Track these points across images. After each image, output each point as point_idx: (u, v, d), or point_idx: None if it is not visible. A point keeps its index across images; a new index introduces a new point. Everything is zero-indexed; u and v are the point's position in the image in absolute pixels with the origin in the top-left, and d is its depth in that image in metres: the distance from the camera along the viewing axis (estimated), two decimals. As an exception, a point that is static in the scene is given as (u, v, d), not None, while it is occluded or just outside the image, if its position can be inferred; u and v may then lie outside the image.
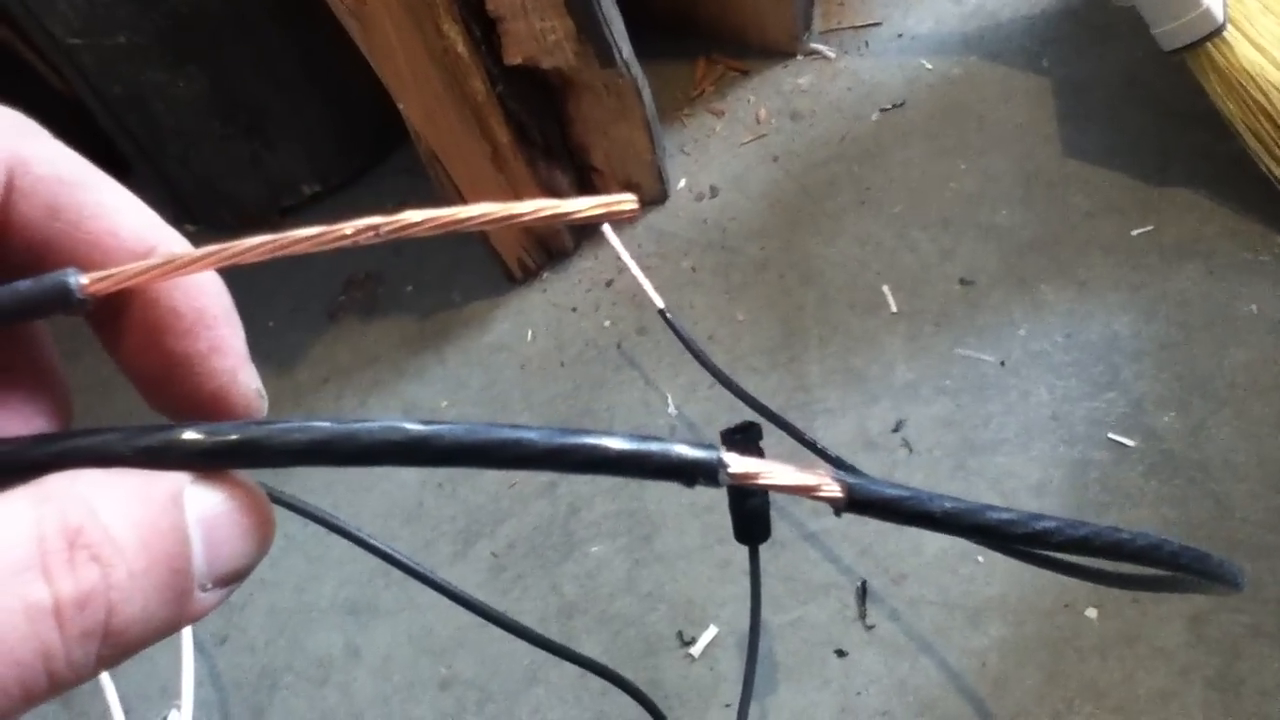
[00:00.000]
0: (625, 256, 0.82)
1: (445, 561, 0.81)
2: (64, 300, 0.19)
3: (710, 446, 0.20)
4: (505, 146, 0.86)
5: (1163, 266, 0.79)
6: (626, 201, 0.19)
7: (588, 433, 0.19)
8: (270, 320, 1.03)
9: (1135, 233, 0.81)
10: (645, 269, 0.93)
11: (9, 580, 0.14)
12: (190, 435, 0.17)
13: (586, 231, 0.99)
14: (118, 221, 0.20)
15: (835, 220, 0.91)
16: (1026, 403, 0.75)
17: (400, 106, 0.82)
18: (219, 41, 0.98)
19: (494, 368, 0.92)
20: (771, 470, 0.20)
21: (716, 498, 0.77)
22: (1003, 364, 0.78)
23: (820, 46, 1.05)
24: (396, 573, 0.81)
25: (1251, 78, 0.73)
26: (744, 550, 0.74)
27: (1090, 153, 0.87)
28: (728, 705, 0.68)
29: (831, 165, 0.95)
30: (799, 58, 1.06)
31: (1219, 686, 0.61)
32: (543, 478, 0.83)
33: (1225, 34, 0.73)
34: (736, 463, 0.19)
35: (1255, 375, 0.72)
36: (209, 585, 0.17)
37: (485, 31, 0.80)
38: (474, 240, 0.94)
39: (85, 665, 0.15)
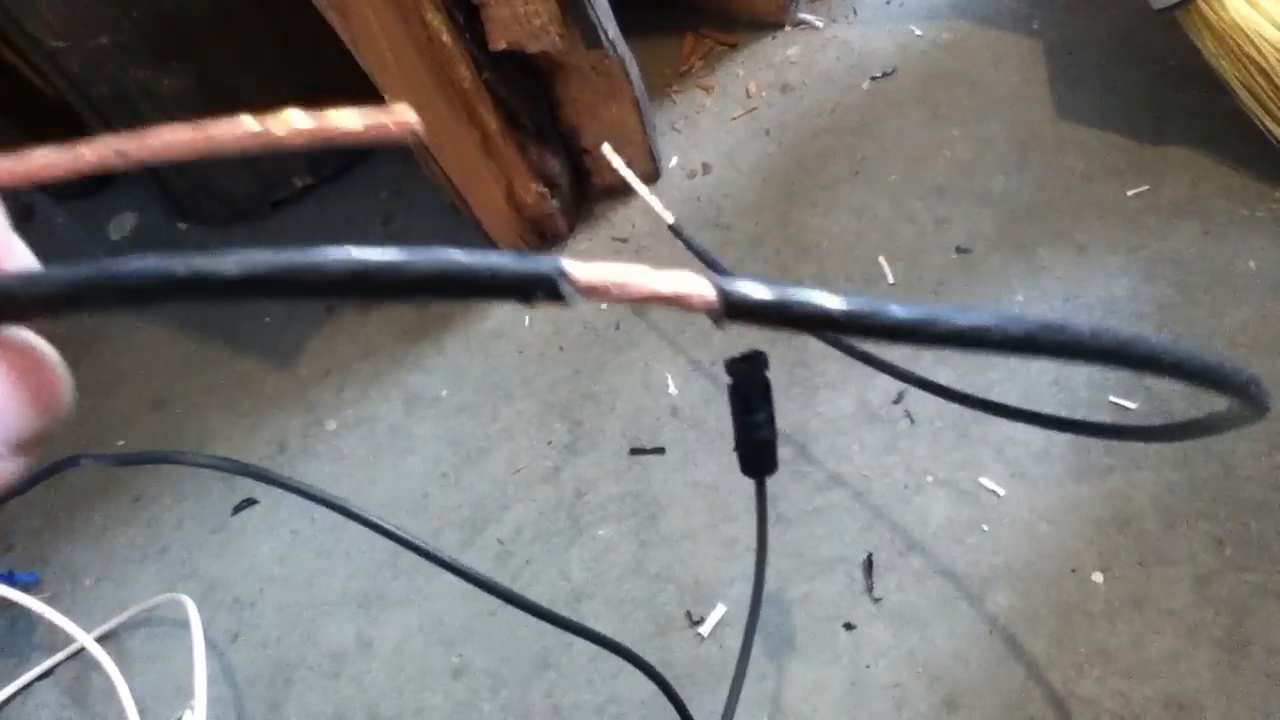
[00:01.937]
0: (629, 176, 0.81)
1: (453, 551, 0.81)
2: None
3: (551, 260, 0.17)
4: (495, 133, 0.86)
5: (1160, 227, 0.78)
6: (401, 111, 0.17)
7: (425, 248, 0.16)
8: (267, 316, 1.03)
9: (1131, 194, 0.81)
10: (639, 249, 0.93)
11: None
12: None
13: (581, 214, 0.99)
14: None
15: (830, 192, 0.91)
16: (1027, 369, 0.75)
17: (387, 97, 0.82)
18: (201, 37, 0.97)
19: (493, 354, 0.92)
20: (627, 276, 0.17)
21: (721, 476, 0.78)
22: (1002, 331, 0.77)
23: (808, 16, 1.04)
24: (405, 564, 0.81)
25: (1244, 33, 0.72)
26: (750, 529, 0.74)
27: (1084, 114, 0.86)
28: (739, 683, 0.69)
29: (824, 137, 0.95)
30: (787, 29, 1.05)
31: (1227, 646, 0.61)
32: (547, 463, 0.83)
33: (1216, -11, 0.73)
34: (581, 271, 0.16)
35: (1255, 333, 0.72)
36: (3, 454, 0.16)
37: (469, 18, 0.79)
38: (469, 228, 0.94)
39: None
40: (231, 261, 0.15)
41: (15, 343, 0.17)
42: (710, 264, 0.76)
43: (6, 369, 0.16)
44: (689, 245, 0.77)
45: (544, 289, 0.16)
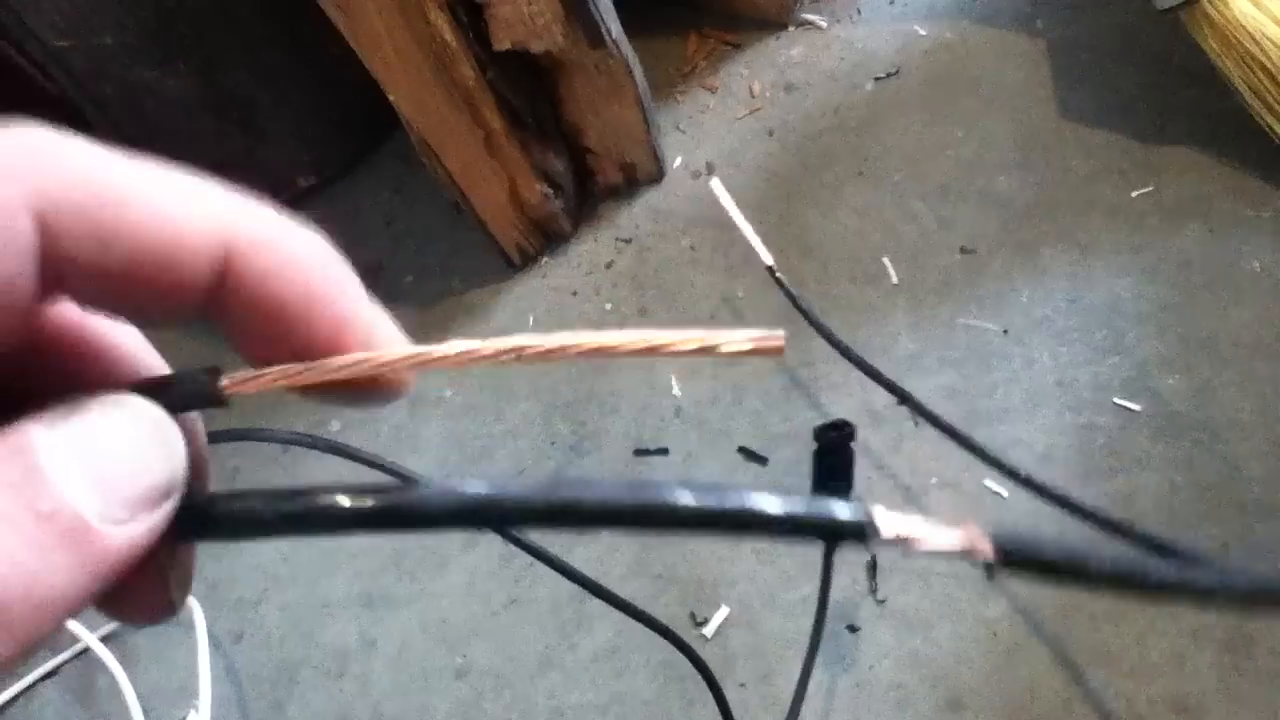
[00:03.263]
0: (733, 212, 0.78)
1: (456, 551, 0.81)
2: (204, 400, 0.19)
3: (858, 501, 0.19)
4: (498, 132, 0.86)
5: (1163, 227, 0.78)
6: (775, 339, 0.19)
7: (737, 491, 0.18)
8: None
9: (1135, 194, 0.81)
10: (643, 249, 0.93)
11: None
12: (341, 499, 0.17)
13: (585, 214, 0.99)
14: (178, 230, 0.17)
15: (833, 192, 0.91)
16: (1031, 370, 0.75)
17: (390, 97, 0.82)
18: (205, 36, 0.97)
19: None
20: (924, 533, 0.19)
21: (724, 478, 0.78)
22: (1006, 332, 0.77)
23: (812, 16, 1.04)
24: (409, 564, 0.81)
25: (1248, 33, 0.72)
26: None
27: (1088, 114, 0.86)
28: (742, 685, 0.69)
29: (827, 136, 0.95)
30: (791, 29, 1.05)
31: (1231, 647, 0.61)
32: (550, 463, 0.83)
33: (1220, -10, 0.72)
34: (886, 524, 0.19)
35: (1259, 334, 0.72)
36: (119, 516, 0.15)
37: (472, 17, 0.79)
38: (473, 228, 0.94)
39: (5, 655, 0.14)
40: (598, 493, 0.18)
41: (115, 397, 0.17)
42: (806, 313, 0.74)
43: (112, 424, 0.16)
44: (790, 295, 0.75)
45: (853, 536, 0.19)
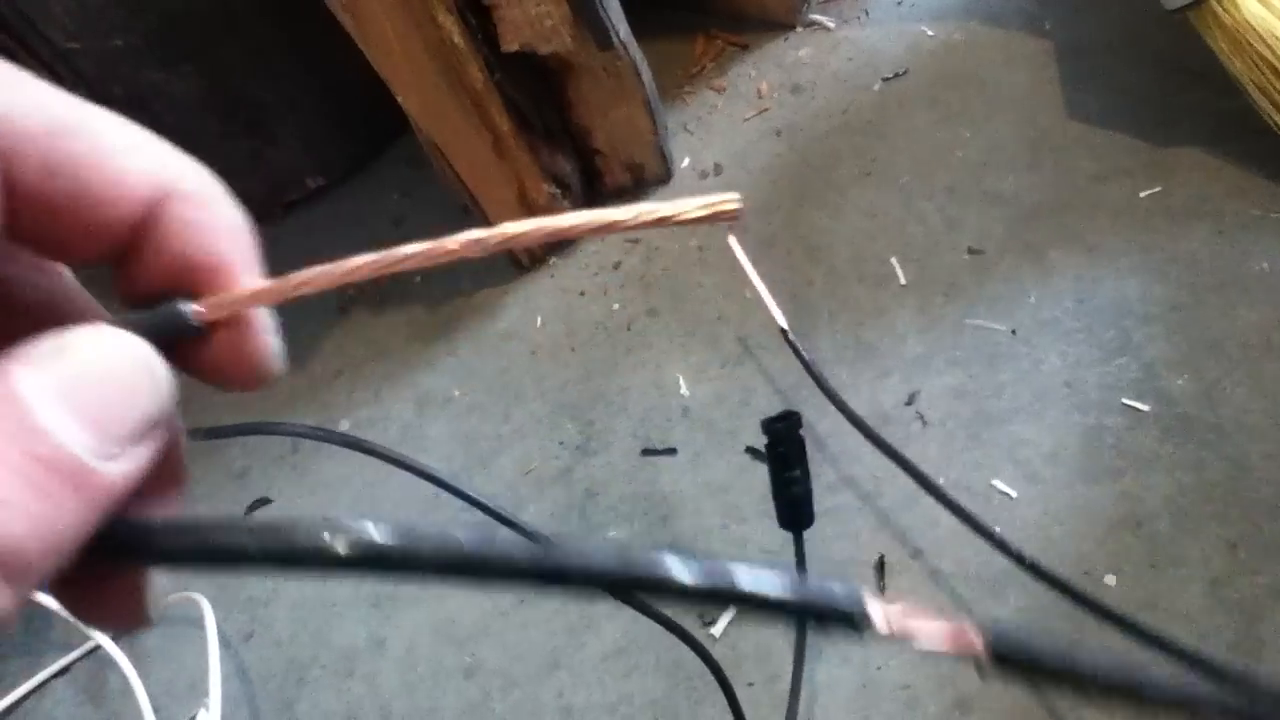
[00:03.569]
0: (749, 269, 0.78)
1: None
2: (180, 330, 0.19)
3: (851, 589, 0.19)
4: (506, 134, 0.86)
5: (1171, 228, 0.78)
6: (729, 201, 0.19)
7: (729, 568, 0.18)
8: (280, 315, 1.03)
9: (1143, 195, 0.81)
10: (651, 250, 0.93)
11: None
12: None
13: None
14: (121, 167, 0.17)
15: (841, 193, 0.91)
16: (1039, 371, 0.75)
17: (399, 99, 0.82)
18: (212, 39, 0.97)
19: (505, 355, 0.92)
20: (918, 631, 0.19)
21: (732, 478, 0.78)
22: (1014, 333, 0.77)
23: (819, 17, 1.04)
24: (417, 564, 0.81)
25: (1257, 33, 0.72)
26: (760, 529, 0.75)
27: (1095, 115, 0.86)
28: (750, 684, 0.69)
29: (835, 137, 0.95)
30: (798, 29, 1.05)
31: (1240, 649, 0.61)
32: (558, 463, 0.83)
33: (1228, -10, 0.72)
34: (880, 617, 0.19)
35: (1268, 334, 0.71)
36: (112, 451, 0.15)
37: (480, 19, 0.79)
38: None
39: (7, 601, 0.14)
40: (572, 556, 0.18)
41: (97, 329, 0.17)
42: (815, 377, 0.74)
43: (95, 358, 0.16)
44: (799, 355, 0.75)
45: (846, 626, 0.19)
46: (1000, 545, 0.64)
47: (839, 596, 0.19)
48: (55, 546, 0.14)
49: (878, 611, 0.19)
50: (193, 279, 0.19)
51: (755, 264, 0.88)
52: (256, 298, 0.19)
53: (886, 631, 0.19)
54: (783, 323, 0.76)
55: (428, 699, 0.75)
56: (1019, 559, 0.64)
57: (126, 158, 0.17)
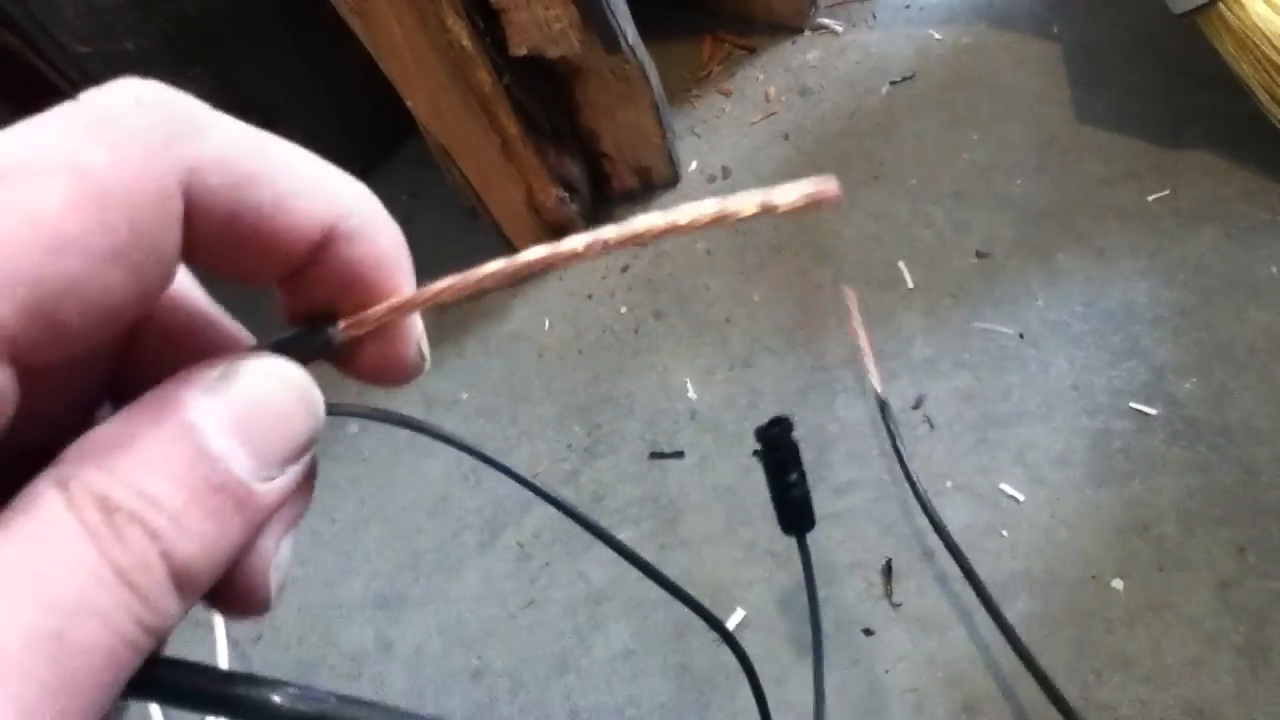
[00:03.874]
0: (863, 340, 0.77)
1: (473, 551, 0.82)
2: (328, 350, 0.20)
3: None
4: (514, 137, 0.86)
5: (1180, 231, 0.78)
6: (829, 186, 0.19)
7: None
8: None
9: (1151, 198, 0.81)
10: (659, 253, 0.93)
11: (75, 566, 0.14)
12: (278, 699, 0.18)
13: (600, 218, 0.99)
14: (299, 209, 0.18)
15: (849, 196, 0.91)
16: (1046, 374, 0.75)
17: (408, 103, 0.82)
18: (223, 43, 0.98)
19: (513, 357, 0.92)
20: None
21: (739, 480, 0.78)
22: (1021, 336, 0.77)
23: (827, 21, 1.04)
24: (425, 565, 0.82)
25: (1265, 36, 0.72)
26: (768, 532, 0.75)
27: (1104, 118, 0.86)
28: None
29: (843, 141, 0.95)
30: (806, 33, 1.05)
31: (1248, 653, 0.61)
32: (566, 466, 0.84)
33: (1237, -7, 0.72)
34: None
35: (1276, 338, 0.71)
36: (271, 474, 0.17)
37: (489, 23, 0.80)
38: (489, 231, 0.94)
39: (173, 607, 0.16)
40: None
41: (264, 364, 0.18)
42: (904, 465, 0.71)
43: (260, 393, 0.18)
44: (890, 431, 0.72)
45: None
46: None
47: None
48: (219, 563, 0.16)
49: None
50: (351, 302, 0.20)
51: (762, 268, 0.88)
52: (395, 311, 0.20)
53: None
54: (879, 387, 0.74)
55: (435, 701, 0.75)
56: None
57: (304, 200, 0.18)
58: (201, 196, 0.16)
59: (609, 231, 0.20)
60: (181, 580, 0.15)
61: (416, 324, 0.21)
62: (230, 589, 0.17)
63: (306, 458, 0.18)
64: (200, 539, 0.16)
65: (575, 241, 0.20)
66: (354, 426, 0.92)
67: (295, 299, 0.20)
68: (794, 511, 0.58)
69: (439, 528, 0.84)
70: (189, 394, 0.16)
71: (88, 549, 0.15)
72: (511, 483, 0.84)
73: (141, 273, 0.16)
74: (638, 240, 0.20)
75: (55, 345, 0.15)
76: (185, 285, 0.20)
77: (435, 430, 0.59)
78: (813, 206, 0.19)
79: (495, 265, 0.20)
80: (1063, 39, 0.93)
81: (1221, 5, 0.73)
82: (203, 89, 1.01)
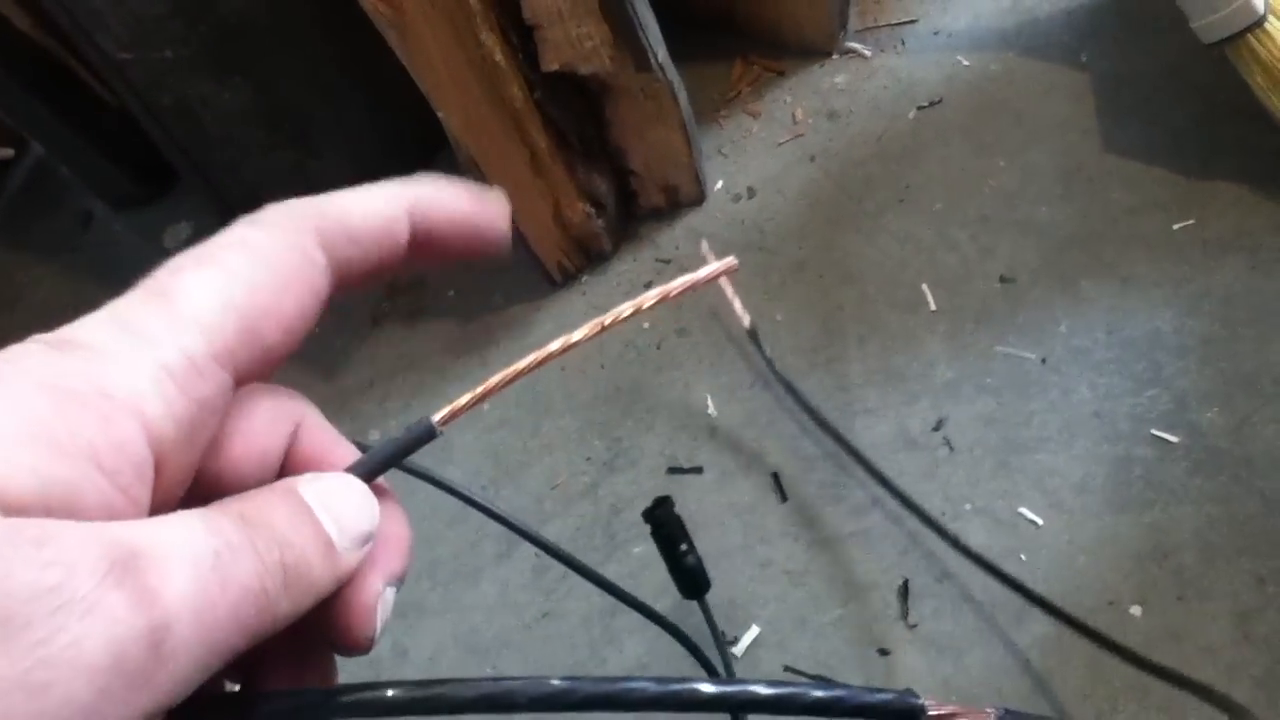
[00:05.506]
0: (737, 305, 0.80)
1: (490, 562, 0.82)
2: (428, 439, 0.26)
3: (907, 695, 0.21)
4: (544, 152, 0.87)
5: (1206, 261, 0.78)
6: (728, 265, 0.27)
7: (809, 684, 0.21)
8: (315, 326, 1.04)
9: (1177, 227, 0.80)
10: (682, 270, 0.94)
11: (239, 574, 0.19)
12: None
13: (626, 234, 1.00)
14: (380, 210, 0.26)
15: (874, 219, 0.91)
16: (1068, 400, 0.75)
17: (440, 115, 0.83)
18: (262, 52, 1.00)
19: (535, 370, 0.93)
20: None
21: (757, 498, 0.78)
22: (1044, 361, 0.77)
23: (856, 45, 1.05)
24: (442, 574, 0.82)
25: (1294, 69, 0.72)
26: (784, 550, 0.75)
27: (1131, 148, 0.86)
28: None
29: (869, 164, 0.96)
30: (835, 57, 1.06)
31: (1266, 684, 0.61)
32: (585, 479, 0.84)
33: (1266, 25, 0.72)
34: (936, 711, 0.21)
35: (1302, 370, 0.71)
36: (350, 547, 0.22)
37: (522, 39, 0.81)
38: (516, 245, 0.95)
39: (289, 610, 0.20)
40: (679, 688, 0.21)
41: (337, 474, 0.24)
42: (778, 375, 0.75)
43: (339, 491, 0.23)
44: (764, 355, 0.78)
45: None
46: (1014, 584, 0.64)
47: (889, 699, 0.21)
48: (316, 599, 0.21)
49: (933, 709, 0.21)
50: (455, 237, 0.27)
51: (786, 287, 0.89)
52: (478, 400, 0.26)
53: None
54: (747, 323, 0.79)
55: (449, 708, 0.75)
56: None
57: (379, 204, 0.26)
58: (333, 246, 0.24)
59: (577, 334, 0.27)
60: (294, 590, 0.20)
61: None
62: (342, 623, 0.23)
63: (368, 547, 0.23)
64: (309, 568, 0.21)
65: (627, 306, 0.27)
66: (375, 434, 0.93)
67: (421, 259, 0.27)
68: (689, 578, 0.63)
69: (458, 537, 0.85)
70: (297, 484, 0.23)
71: (250, 565, 0.20)
72: (529, 495, 0.85)
73: (303, 303, 0.24)
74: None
75: (260, 361, 0.23)
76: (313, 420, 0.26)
77: (426, 474, 0.60)
78: (715, 278, 0.26)
79: (579, 333, 0.27)
80: (1091, 68, 0.93)
81: (1251, 37, 0.73)
82: (240, 97, 1.03)
